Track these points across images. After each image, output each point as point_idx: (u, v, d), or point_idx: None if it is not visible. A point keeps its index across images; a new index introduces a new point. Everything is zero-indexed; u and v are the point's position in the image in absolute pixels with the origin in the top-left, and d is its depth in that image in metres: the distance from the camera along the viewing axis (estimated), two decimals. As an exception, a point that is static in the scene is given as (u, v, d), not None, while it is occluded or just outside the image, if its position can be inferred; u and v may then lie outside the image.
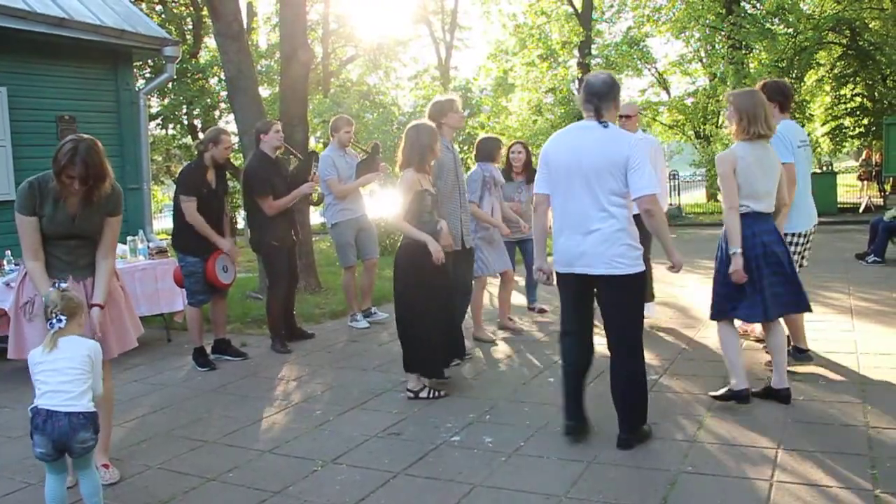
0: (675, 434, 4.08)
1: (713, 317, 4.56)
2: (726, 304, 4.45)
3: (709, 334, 6.38)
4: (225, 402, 5.26)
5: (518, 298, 8.12)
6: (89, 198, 3.67)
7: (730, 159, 4.38)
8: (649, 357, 5.74)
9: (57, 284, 3.44)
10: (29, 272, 3.72)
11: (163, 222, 25.43)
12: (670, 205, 22.99)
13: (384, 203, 14.02)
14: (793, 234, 5.05)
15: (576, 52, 24.94)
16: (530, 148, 7.82)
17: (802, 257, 5.20)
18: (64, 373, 3.21)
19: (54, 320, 3.26)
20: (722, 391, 4.46)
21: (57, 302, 3.30)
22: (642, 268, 3.94)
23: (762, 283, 4.34)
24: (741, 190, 4.36)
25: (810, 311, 4.65)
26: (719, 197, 6.77)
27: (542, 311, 7.81)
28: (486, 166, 6.65)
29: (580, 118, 4.22)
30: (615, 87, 4.03)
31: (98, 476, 3.42)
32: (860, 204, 19.05)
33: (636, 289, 3.99)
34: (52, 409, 3.15)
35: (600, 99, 3.97)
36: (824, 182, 17.51)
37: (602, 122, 3.96)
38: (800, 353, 5.21)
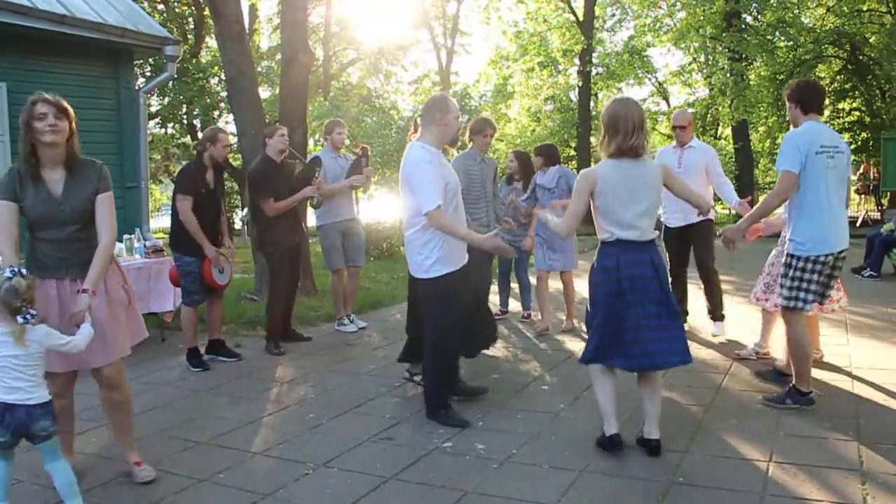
0: (668, 445, 4.07)
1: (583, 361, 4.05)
2: (593, 350, 3.94)
3: (703, 346, 6.39)
4: (218, 403, 5.26)
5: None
6: (69, 162, 3.56)
7: (589, 178, 3.88)
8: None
9: (16, 270, 3.22)
10: None
11: (160, 221, 25.46)
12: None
13: (380, 207, 14.01)
14: (797, 258, 4.50)
15: (576, 60, 25.00)
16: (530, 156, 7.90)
17: (815, 293, 4.49)
18: (17, 369, 3.20)
19: (27, 315, 3.17)
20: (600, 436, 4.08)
21: (24, 289, 3.18)
22: (428, 275, 4.51)
23: (624, 324, 3.83)
24: (604, 215, 3.89)
25: (687, 362, 3.97)
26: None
27: (528, 316, 7.85)
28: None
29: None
30: (435, 106, 4.59)
31: (69, 467, 3.40)
32: (857, 217, 19.10)
33: (424, 291, 4.60)
34: (11, 402, 3.20)
35: (422, 117, 4.61)
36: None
37: (416, 142, 4.60)
38: (800, 396, 4.59)
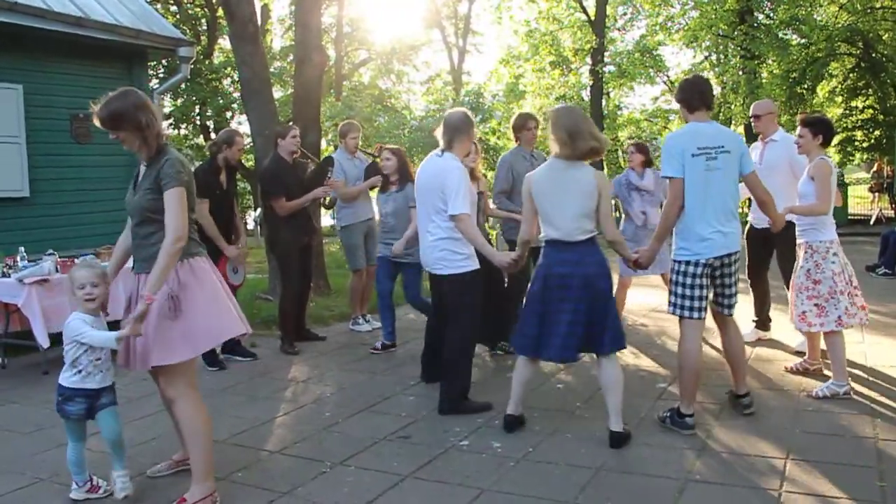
0: (684, 442, 4.08)
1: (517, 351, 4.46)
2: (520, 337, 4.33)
3: (716, 343, 6.37)
4: (234, 401, 5.29)
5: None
6: (147, 158, 3.46)
7: (527, 182, 4.30)
8: (658, 366, 5.77)
9: (88, 255, 3.63)
10: None
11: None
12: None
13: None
14: (679, 262, 4.25)
15: (588, 59, 24.94)
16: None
17: (700, 300, 4.21)
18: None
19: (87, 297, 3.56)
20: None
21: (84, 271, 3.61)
22: (461, 270, 4.73)
23: (549, 318, 4.12)
24: (540, 215, 4.23)
25: (600, 353, 4.13)
26: None
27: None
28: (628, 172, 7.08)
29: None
30: (468, 123, 4.85)
31: (117, 423, 3.67)
32: (871, 215, 19.00)
33: (454, 286, 4.78)
34: None
35: (453, 133, 4.80)
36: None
37: (440, 153, 4.81)
38: (679, 418, 4.29)
